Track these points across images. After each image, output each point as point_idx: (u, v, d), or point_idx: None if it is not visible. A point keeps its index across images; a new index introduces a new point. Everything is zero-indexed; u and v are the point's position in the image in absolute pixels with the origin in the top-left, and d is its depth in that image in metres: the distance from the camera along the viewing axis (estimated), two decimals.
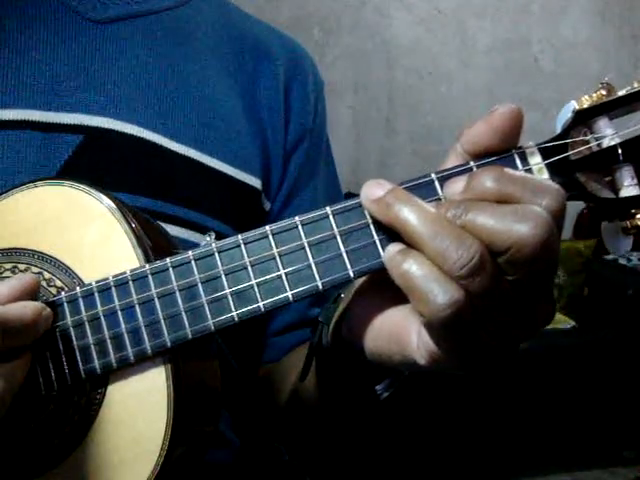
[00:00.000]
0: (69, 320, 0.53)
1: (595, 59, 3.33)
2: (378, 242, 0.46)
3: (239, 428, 0.79)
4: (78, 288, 0.53)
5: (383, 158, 3.27)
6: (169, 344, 0.51)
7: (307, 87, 0.86)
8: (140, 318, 0.51)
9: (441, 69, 3.33)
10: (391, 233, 0.46)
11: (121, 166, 0.70)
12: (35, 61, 0.72)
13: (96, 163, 0.69)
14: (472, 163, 0.46)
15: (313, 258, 0.47)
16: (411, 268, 0.43)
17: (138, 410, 0.52)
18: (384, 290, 0.47)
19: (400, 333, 0.47)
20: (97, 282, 0.52)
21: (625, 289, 2.71)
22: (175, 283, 0.50)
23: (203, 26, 0.83)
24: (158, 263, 0.51)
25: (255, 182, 0.78)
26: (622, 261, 2.96)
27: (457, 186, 0.44)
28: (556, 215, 0.42)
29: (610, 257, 2.98)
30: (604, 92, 0.42)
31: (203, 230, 0.71)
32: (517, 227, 0.41)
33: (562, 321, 2.74)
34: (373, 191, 0.46)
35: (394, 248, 0.45)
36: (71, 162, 0.69)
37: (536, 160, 0.45)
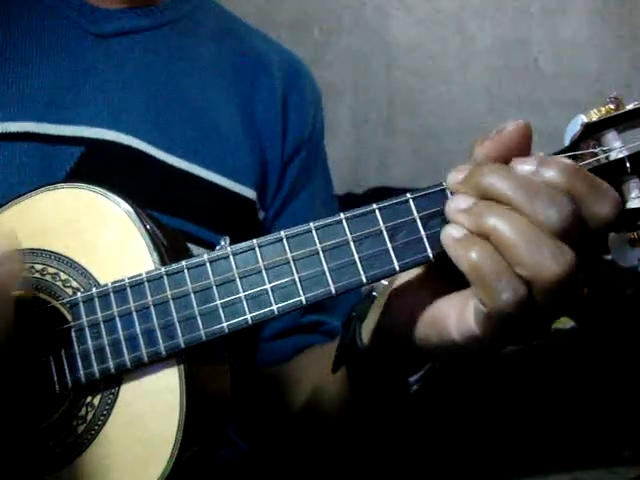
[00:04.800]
0: (85, 320, 0.54)
1: (594, 59, 3.32)
2: (391, 250, 0.47)
3: (241, 429, 0.80)
4: (94, 289, 0.54)
5: (383, 158, 3.27)
6: (183, 345, 0.52)
7: (305, 99, 0.88)
8: (155, 319, 0.52)
9: (441, 69, 3.32)
10: (405, 241, 0.47)
11: (120, 178, 0.72)
12: (38, 74, 0.73)
13: (96, 174, 0.71)
14: None
15: (327, 263, 0.48)
16: (482, 258, 0.43)
17: (151, 410, 0.53)
18: (427, 286, 0.50)
19: (439, 315, 0.49)
20: (113, 283, 0.54)
21: (625, 289, 2.71)
22: (190, 285, 0.51)
23: (203, 39, 0.84)
24: (173, 265, 0.52)
25: (250, 194, 0.80)
26: None
27: (527, 166, 0.45)
28: (610, 224, 0.43)
29: (610, 257, 2.98)
30: (612, 106, 0.43)
31: (198, 241, 0.73)
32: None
33: (562, 321, 2.74)
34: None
35: (458, 232, 0.45)
36: (73, 174, 0.70)
37: None
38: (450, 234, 0.45)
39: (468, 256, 0.44)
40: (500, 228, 0.43)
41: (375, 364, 0.59)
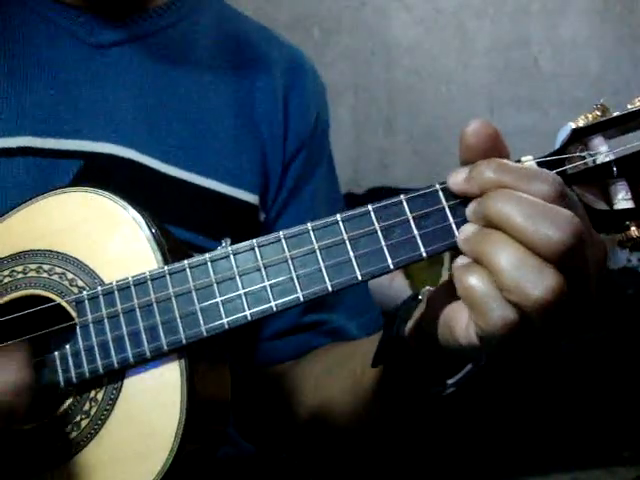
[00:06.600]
0: (90, 317, 0.56)
1: (595, 59, 3.33)
2: (385, 248, 0.49)
3: (244, 430, 0.81)
4: (99, 287, 0.56)
5: (383, 158, 3.27)
6: (184, 341, 0.53)
7: (306, 96, 0.87)
8: (157, 316, 0.54)
9: (441, 69, 3.32)
10: (399, 240, 0.49)
11: (119, 190, 0.72)
12: (36, 87, 0.74)
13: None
14: None
15: (323, 262, 0.50)
16: (475, 283, 0.46)
17: (152, 405, 0.55)
18: (451, 289, 0.51)
19: (451, 319, 0.51)
20: (117, 281, 0.55)
21: (625, 289, 2.72)
22: (192, 283, 0.53)
23: (200, 40, 0.84)
24: (176, 264, 0.54)
25: (252, 198, 0.80)
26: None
27: (459, 176, 0.48)
28: (554, 199, 0.44)
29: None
30: (599, 113, 0.45)
31: (200, 250, 0.74)
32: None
33: None
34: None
35: (461, 260, 0.48)
36: None
37: None
38: (457, 261, 0.49)
39: (463, 281, 0.47)
40: (491, 254, 0.45)
41: (414, 362, 0.60)
